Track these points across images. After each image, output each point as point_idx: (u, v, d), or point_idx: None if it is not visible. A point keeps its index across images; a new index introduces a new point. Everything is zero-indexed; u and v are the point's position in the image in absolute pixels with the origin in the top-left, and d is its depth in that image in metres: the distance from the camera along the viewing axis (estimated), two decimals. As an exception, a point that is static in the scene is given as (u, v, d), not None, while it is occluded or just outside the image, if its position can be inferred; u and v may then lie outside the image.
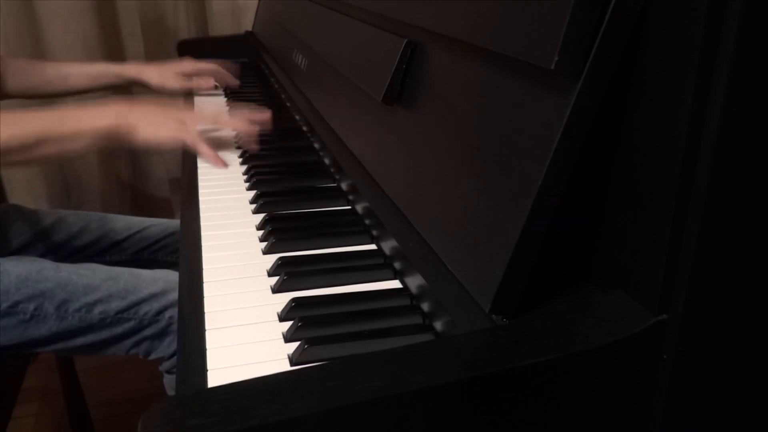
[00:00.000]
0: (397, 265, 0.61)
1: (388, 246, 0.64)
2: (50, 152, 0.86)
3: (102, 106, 0.89)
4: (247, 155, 0.96)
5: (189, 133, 0.90)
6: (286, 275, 0.60)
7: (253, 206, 0.78)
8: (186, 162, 0.96)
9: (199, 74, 1.32)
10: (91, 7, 1.66)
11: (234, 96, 1.30)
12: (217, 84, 1.35)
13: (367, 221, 0.71)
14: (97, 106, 0.89)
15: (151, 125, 0.88)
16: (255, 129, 0.95)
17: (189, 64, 1.32)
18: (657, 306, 0.42)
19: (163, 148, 0.92)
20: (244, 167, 0.92)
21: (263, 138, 0.96)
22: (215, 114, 0.99)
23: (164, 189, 1.92)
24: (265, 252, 0.67)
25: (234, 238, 0.71)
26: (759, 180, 0.40)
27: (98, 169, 1.79)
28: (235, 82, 1.36)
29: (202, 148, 0.91)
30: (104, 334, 0.88)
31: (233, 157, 0.96)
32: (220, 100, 1.32)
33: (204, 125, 0.95)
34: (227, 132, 1.02)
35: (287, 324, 0.54)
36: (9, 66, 1.21)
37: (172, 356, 0.89)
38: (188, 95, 1.36)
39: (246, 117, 0.97)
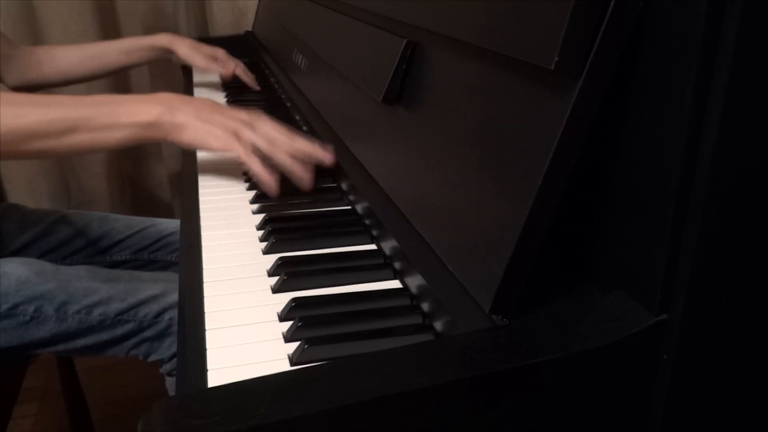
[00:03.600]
0: (397, 265, 0.61)
1: (388, 246, 0.64)
2: (81, 143, 0.77)
3: (149, 98, 0.80)
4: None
5: (242, 146, 0.78)
6: (286, 275, 0.60)
7: (253, 206, 0.78)
8: (186, 162, 0.96)
9: (226, 64, 1.35)
10: (91, 7, 1.66)
11: (235, 98, 1.30)
12: (237, 76, 1.36)
13: (367, 221, 0.71)
14: (143, 98, 0.80)
15: (200, 128, 0.78)
16: (308, 175, 0.79)
17: (222, 53, 1.35)
18: (657, 306, 0.42)
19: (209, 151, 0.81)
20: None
21: None
22: (273, 136, 0.80)
23: (164, 189, 1.93)
24: (265, 252, 0.67)
25: (234, 238, 0.71)
26: (759, 180, 0.40)
27: (99, 169, 1.79)
28: (255, 86, 1.36)
29: (255, 166, 0.78)
30: (104, 336, 0.88)
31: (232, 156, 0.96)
32: (219, 96, 1.32)
33: (259, 143, 0.79)
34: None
35: (287, 324, 0.54)
36: (43, 53, 1.25)
37: (171, 358, 0.89)
38: (187, 88, 1.36)
39: (308, 152, 0.80)
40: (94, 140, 0.77)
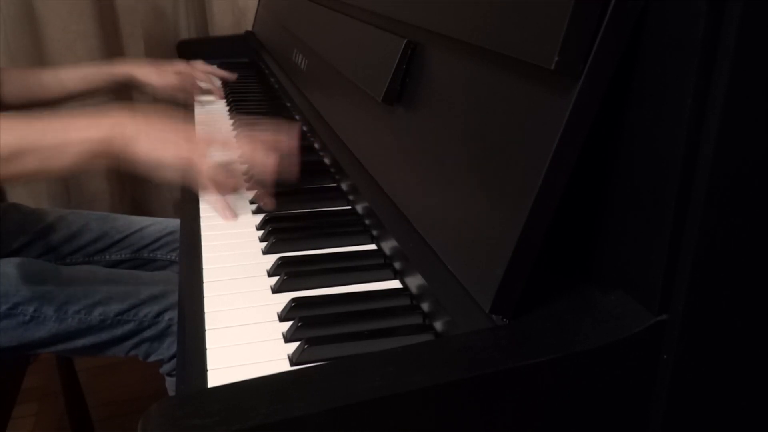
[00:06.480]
0: (397, 265, 0.61)
1: (388, 246, 0.64)
2: (30, 168, 0.73)
3: (97, 115, 0.76)
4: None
5: (198, 157, 0.75)
6: (286, 275, 0.60)
7: (253, 206, 0.78)
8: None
9: (192, 77, 1.33)
10: (91, 7, 1.66)
11: (235, 98, 1.30)
12: (204, 88, 1.35)
13: (367, 221, 0.71)
14: (91, 116, 0.76)
15: (153, 140, 0.75)
16: (272, 163, 0.76)
17: (183, 66, 1.33)
18: (657, 306, 0.42)
19: (165, 170, 0.75)
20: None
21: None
22: (225, 138, 0.80)
23: (164, 188, 1.93)
24: (265, 252, 0.67)
25: (234, 238, 0.71)
26: (758, 180, 0.40)
27: (98, 169, 1.79)
28: (227, 75, 1.38)
29: (209, 188, 0.76)
30: (104, 336, 0.88)
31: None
32: (221, 106, 1.32)
33: (214, 149, 0.77)
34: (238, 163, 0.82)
35: (287, 324, 0.54)
36: (6, 76, 1.19)
37: (171, 358, 0.89)
38: (188, 106, 1.36)
39: (266, 141, 0.79)
40: (44, 163, 0.73)
